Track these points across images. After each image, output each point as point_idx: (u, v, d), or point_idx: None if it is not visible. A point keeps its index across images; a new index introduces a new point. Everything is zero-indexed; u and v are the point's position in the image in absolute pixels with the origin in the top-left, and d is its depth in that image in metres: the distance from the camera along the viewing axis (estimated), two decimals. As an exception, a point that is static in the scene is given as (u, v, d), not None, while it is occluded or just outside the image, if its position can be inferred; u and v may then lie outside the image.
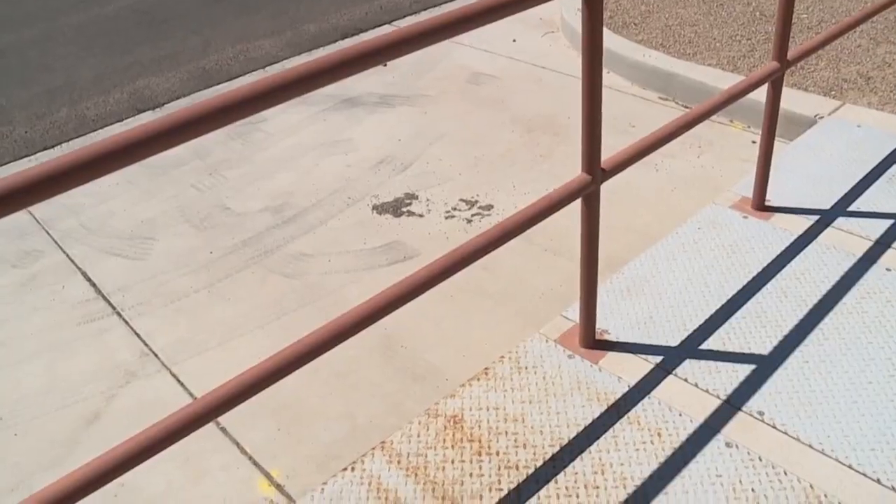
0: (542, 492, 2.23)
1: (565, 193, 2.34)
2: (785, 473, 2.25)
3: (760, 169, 3.37)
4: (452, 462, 2.35)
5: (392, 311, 2.05)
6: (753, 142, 4.44)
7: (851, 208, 3.43)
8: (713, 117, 4.73)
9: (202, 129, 1.56)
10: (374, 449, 2.42)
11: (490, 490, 2.26)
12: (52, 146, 5.20)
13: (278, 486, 2.68)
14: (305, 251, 3.82)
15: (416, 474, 2.33)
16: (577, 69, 5.41)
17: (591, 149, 2.37)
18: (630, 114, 4.83)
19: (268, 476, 2.72)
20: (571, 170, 4.23)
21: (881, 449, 2.31)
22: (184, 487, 2.70)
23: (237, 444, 2.85)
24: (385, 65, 5.95)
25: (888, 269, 3.04)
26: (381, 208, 4.08)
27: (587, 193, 2.42)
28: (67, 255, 4.02)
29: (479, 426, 2.45)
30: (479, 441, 2.40)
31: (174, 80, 6.06)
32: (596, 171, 2.40)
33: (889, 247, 3.18)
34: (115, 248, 4.05)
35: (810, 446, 2.33)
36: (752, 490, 2.21)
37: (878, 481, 2.22)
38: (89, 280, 3.81)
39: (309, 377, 3.07)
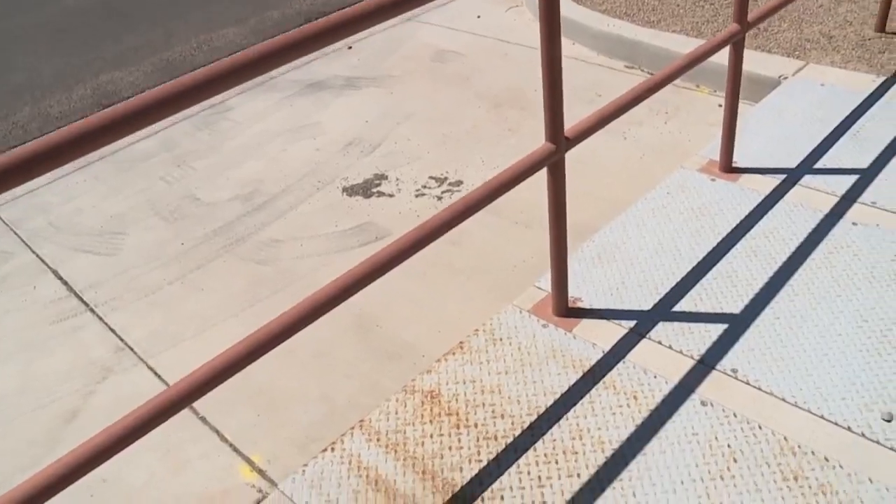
0: (522, 460, 2.24)
1: (530, 163, 2.34)
2: (759, 428, 2.28)
3: (726, 131, 3.39)
4: (431, 436, 2.36)
5: (362, 287, 2.05)
6: (720, 105, 4.45)
7: (817, 166, 3.46)
8: (679, 83, 4.75)
9: (162, 114, 1.53)
10: (352, 428, 2.43)
11: (470, 462, 2.27)
12: (16, 146, 5.14)
13: (260, 471, 2.68)
14: (277, 237, 3.80)
15: (395, 451, 2.33)
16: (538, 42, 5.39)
17: (553, 118, 2.37)
18: (596, 83, 4.83)
19: (249, 462, 2.72)
20: (539, 143, 4.23)
21: (851, 398, 2.34)
22: (165, 478, 2.70)
23: (217, 432, 2.85)
24: (350, 48, 5.91)
25: (854, 224, 3.07)
26: (350, 190, 4.07)
27: (552, 162, 2.43)
28: (37, 255, 3.98)
29: (457, 399, 2.46)
30: (457, 414, 2.41)
31: (137, 73, 5.99)
32: (560, 139, 2.40)
33: (855, 202, 3.21)
34: (86, 245, 4.01)
35: (783, 400, 2.36)
36: (728, 446, 2.23)
37: (849, 429, 2.25)
38: (61, 278, 3.77)
39: (285, 361, 3.07)
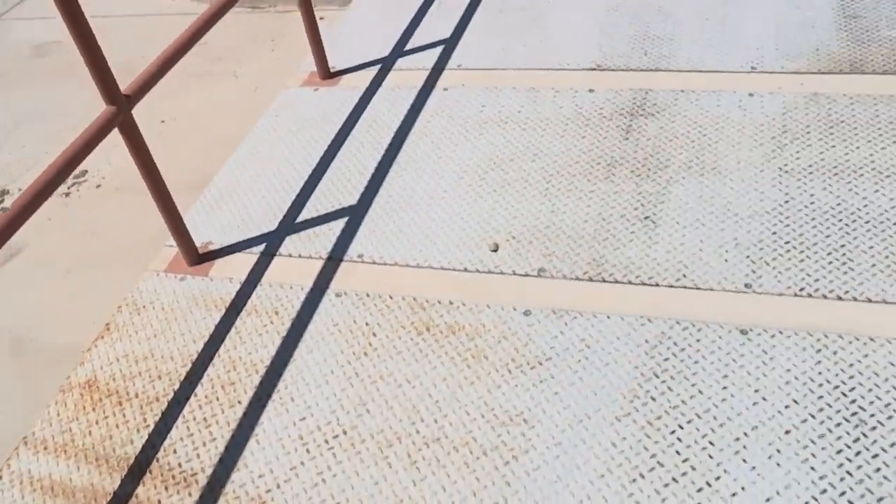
0: (185, 410, 2.29)
1: (95, 130, 2.32)
2: (391, 297, 2.47)
3: (312, 40, 3.51)
4: (97, 423, 2.34)
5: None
6: (321, 19, 4.57)
7: (408, 47, 3.68)
8: (281, 8, 4.82)
9: None
10: (16, 449, 2.36)
11: (138, 431, 2.28)
12: None
13: (-53, 530, 2.54)
14: None
15: (65, 451, 2.30)
16: (143, 8, 5.25)
17: (103, 79, 2.36)
18: (202, 32, 4.78)
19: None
20: (155, 108, 4.16)
21: (463, 243, 2.59)
22: None
23: None
24: (-59, 71, 5.43)
25: (445, 89, 3.33)
26: (-26, 217, 3.82)
27: (121, 123, 2.42)
28: None
29: (114, 379, 2.45)
30: (117, 392, 2.41)
31: None
32: (118, 99, 2.39)
33: (444, 70, 3.46)
34: None
35: (408, 266, 2.57)
36: (366, 324, 2.40)
37: (465, 269, 2.50)
38: None
39: (-52, 412, 2.90)
